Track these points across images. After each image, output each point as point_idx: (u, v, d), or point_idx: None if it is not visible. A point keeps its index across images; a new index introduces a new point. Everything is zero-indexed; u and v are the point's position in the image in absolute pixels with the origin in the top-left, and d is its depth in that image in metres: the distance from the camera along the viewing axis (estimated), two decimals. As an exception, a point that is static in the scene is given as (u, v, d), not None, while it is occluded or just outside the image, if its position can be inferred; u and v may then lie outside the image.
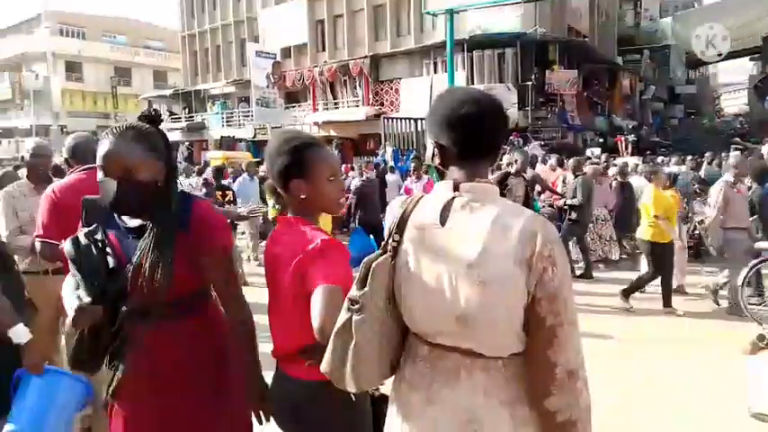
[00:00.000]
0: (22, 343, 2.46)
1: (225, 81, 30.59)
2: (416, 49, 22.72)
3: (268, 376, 1.90)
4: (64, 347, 3.76)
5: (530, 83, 20.27)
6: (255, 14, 30.11)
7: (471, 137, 1.40)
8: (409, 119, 18.30)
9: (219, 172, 9.26)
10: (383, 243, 1.47)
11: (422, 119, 18.68)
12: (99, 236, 1.89)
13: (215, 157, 21.24)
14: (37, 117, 39.05)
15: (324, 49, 27.91)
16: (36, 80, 39.49)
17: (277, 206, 2.20)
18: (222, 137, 28.59)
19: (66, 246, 1.88)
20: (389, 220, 1.49)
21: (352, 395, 1.57)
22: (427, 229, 1.39)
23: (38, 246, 2.87)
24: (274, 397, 1.87)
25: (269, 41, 26.39)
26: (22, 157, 21.41)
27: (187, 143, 30.08)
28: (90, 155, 3.04)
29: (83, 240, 1.87)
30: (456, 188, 1.40)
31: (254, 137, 26.15)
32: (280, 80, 23.33)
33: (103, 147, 1.84)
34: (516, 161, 6.55)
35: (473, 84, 20.35)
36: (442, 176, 1.49)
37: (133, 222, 1.90)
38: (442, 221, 1.38)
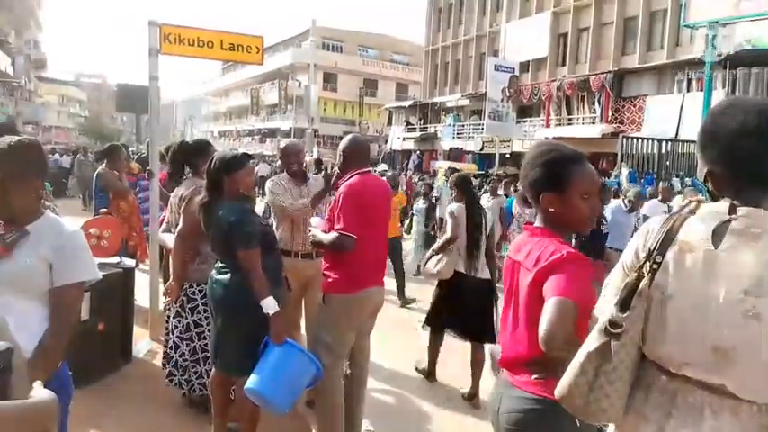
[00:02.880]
0: (270, 314, 2.83)
1: (460, 94, 31.47)
2: (668, 65, 20.76)
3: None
4: (304, 324, 4.22)
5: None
6: (498, 29, 30.45)
7: (758, 160, 1.25)
8: (652, 139, 16.77)
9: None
10: (641, 263, 1.35)
11: (667, 140, 17.05)
12: None
13: (442, 166, 22.00)
14: (296, 120, 44.58)
15: (564, 63, 27.09)
16: (299, 88, 45.08)
17: None
18: (451, 148, 29.48)
19: None
20: (645, 238, 1.38)
21: (577, 421, 1.48)
22: (696, 249, 1.27)
23: (336, 236, 3.08)
24: (496, 402, 1.84)
25: (508, 55, 26.47)
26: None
27: (418, 152, 31.64)
28: (363, 158, 3.35)
29: None
30: (732, 211, 1.26)
31: (481, 149, 26.44)
32: (515, 94, 23.21)
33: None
34: None
35: (735, 104, 17.89)
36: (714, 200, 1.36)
37: None
38: (716, 243, 1.24)
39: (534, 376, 1.65)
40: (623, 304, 1.29)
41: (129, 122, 55.55)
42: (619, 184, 15.94)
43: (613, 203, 7.35)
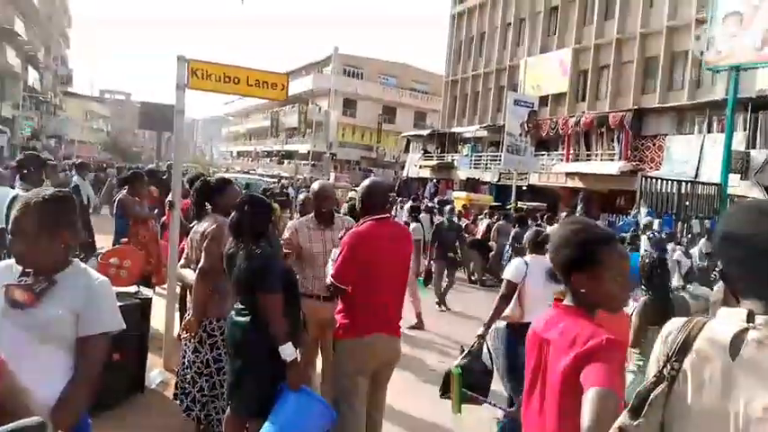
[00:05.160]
0: (288, 361, 2.84)
1: (478, 125, 31.61)
2: (689, 106, 20.73)
3: None
4: (319, 365, 4.20)
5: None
6: (518, 63, 30.68)
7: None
8: (672, 180, 16.68)
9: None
10: (659, 369, 1.33)
11: (687, 181, 16.94)
12: None
13: (459, 197, 22.01)
14: (314, 144, 45.00)
15: (583, 99, 27.18)
16: (318, 113, 45.64)
17: None
18: (468, 178, 29.54)
19: None
20: (664, 341, 1.35)
21: None
22: (714, 359, 1.24)
23: (329, 282, 3.20)
24: None
25: (528, 89, 26.64)
26: (299, 184, 24.64)
27: (435, 180, 31.73)
28: (380, 204, 3.33)
29: None
30: (750, 319, 1.22)
31: (497, 180, 26.45)
32: (533, 128, 23.27)
33: None
34: None
35: (754, 148, 17.79)
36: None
37: None
38: (733, 354, 1.21)
39: None
40: (635, 412, 1.27)
41: (150, 139, 56.46)
42: (637, 222, 15.83)
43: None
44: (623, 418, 1.28)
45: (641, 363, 3.59)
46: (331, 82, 45.64)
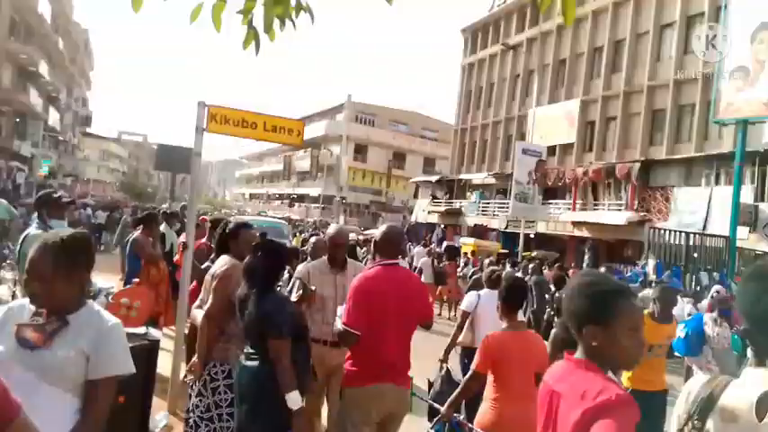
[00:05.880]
0: (294, 409, 2.84)
1: (487, 173, 31.90)
2: (696, 158, 20.88)
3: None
4: (325, 410, 4.19)
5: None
6: (526, 113, 31.20)
7: None
8: (680, 231, 16.68)
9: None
10: (679, 427, 1.34)
11: (695, 233, 16.93)
12: None
13: (467, 243, 22.06)
14: (325, 188, 45.43)
15: (591, 150, 27.43)
16: (330, 157, 46.28)
17: None
18: (475, 225, 29.62)
19: None
20: (686, 400, 1.34)
21: None
22: (739, 420, 1.24)
23: (340, 328, 3.18)
24: None
25: (535, 139, 27.02)
26: (313, 228, 24.68)
27: (442, 226, 31.84)
28: (392, 249, 3.36)
29: None
30: None
31: (505, 227, 26.54)
32: (541, 177, 23.49)
33: None
34: None
35: (763, 201, 17.81)
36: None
37: None
38: (759, 415, 1.21)
39: None
40: None
41: (164, 180, 57.23)
42: (645, 274, 15.75)
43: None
44: None
45: None
46: (343, 128, 46.45)
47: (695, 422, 1.28)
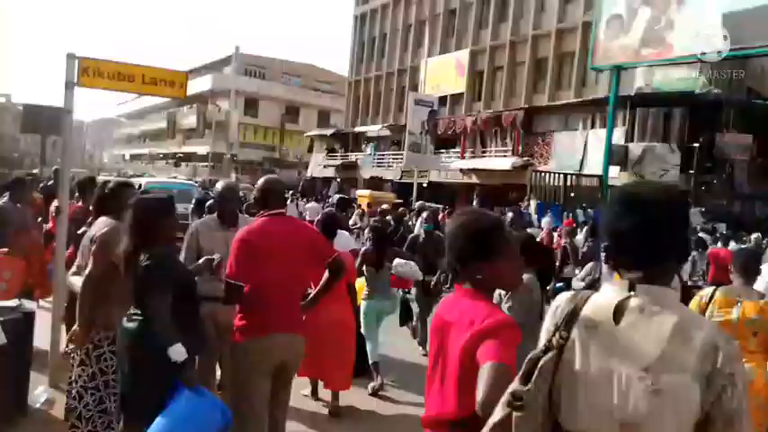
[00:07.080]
0: (179, 361, 2.76)
1: (381, 125, 32.07)
2: (575, 103, 22.18)
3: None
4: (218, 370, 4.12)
5: (696, 145, 18.77)
6: (419, 64, 31.45)
7: (640, 245, 1.37)
8: (558, 173, 17.79)
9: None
10: (548, 338, 1.43)
11: (572, 174, 18.14)
12: None
13: (363, 195, 22.23)
14: (214, 145, 43.63)
15: (479, 99, 28.29)
16: (218, 113, 44.28)
17: None
18: (371, 177, 29.90)
19: None
20: (553, 314, 1.47)
21: None
22: (599, 327, 1.36)
23: (224, 284, 3.14)
24: None
25: (428, 90, 27.38)
26: (208, 189, 23.88)
27: (339, 179, 31.85)
28: (275, 199, 3.32)
29: None
30: (631, 288, 1.36)
31: (399, 178, 27.02)
32: (433, 128, 23.98)
33: None
34: None
35: (632, 141, 19.31)
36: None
37: None
38: (616, 321, 1.34)
39: None
40: (526, 378, 1.35)
41: (32, 143, 52.33)
42: (529, 214, 16.73)
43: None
44: (515, 383, 1.36)
45: None
46: (232, 82, 44.45)
47: (562, 332, 1.39)
